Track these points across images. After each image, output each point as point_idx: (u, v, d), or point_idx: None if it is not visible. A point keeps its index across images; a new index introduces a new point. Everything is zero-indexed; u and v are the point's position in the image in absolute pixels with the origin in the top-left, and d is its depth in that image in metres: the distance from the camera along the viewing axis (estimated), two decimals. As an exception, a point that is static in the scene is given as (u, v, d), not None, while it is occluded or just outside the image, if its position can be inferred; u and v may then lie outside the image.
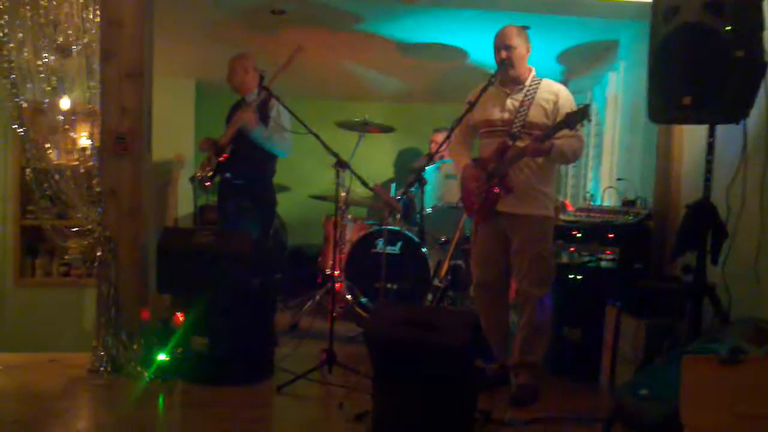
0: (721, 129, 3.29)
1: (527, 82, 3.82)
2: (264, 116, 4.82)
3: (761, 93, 3.14)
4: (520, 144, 3.71)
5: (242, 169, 4.81)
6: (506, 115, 3.80)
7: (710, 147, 3.28)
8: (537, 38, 3.84)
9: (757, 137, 3.40)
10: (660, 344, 3.45)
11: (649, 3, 3.41)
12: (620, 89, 5.55)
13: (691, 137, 4.29)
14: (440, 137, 5.45)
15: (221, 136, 4.84)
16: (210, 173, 4.83)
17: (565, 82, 4.14)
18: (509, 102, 3.82)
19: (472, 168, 3.88)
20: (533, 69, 3.87)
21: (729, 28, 3.02)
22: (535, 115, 3.75)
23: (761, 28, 3.08)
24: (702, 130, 3.36)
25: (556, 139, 3.63)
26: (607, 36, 5.53)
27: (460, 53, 5.95)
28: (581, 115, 3.53)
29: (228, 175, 4.82)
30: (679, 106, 3.22)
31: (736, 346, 2.55)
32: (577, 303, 4.27)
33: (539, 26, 3.88)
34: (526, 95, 3.78)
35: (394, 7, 4.58)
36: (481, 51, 5.73)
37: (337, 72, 6.81)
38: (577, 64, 6.37)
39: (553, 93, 3.79)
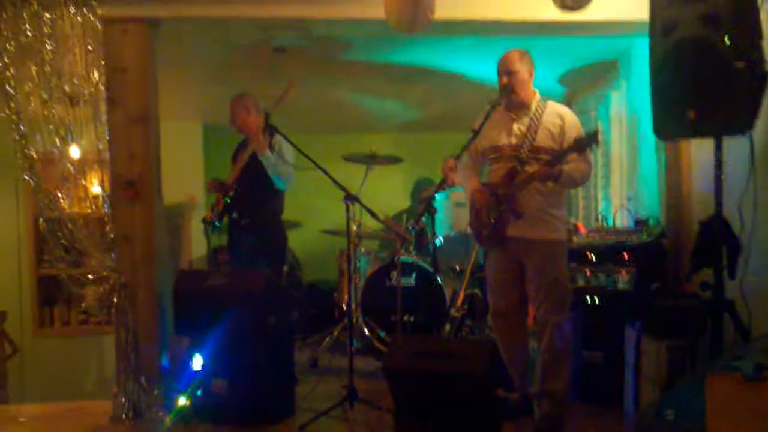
0: (728, 141, 3.27)
1: (533, 106, 3.82)
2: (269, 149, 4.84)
3: (766, 102, 3.13)
4: (528, 169, 3.71)
5: (249, 208, 4.84)
6: (513, 140, 3.80)
7: (718, 161, 3.25)
8: (538, 61, 3.85)
9: (764, 147, 3.38)
10: (683, 364, 3.41)
11: (646, 20, 3.42)
12: (623, 107, 5.56)
13: (698, 151, 4.27)
14: (452, 163, 5.47)
15: (229, 176, 4.88)
16: (218, 215, 4.87)
17: (568, 103, 4.15)
18: (516, 127, 3.82)
19: (481, 192, 3.88)
20: (537, 92, 3.88)
21: (728, 40, 3.02)
22: (542, 139, 3.75)
23: (760, 37, 3.08)
24: (709, 144, 3.34)
25: (564, 163, 3.63)
26: (606, 55, 5.55)
27: (463, 79, 5.98)
28: (590, 140, 3.54)
29: (235, 215, 4.84)
30: (684, 121, 3.21)
31: (759, 363, 2.51)
32: (596, 326, 4.22)
33: (539, 49, 3.90)
34: (532, 119, 3.78)
35: (396, 37, 4.62)
36: (482, 75, 5.75)
37: (341, 105, 6.87)
38: (580, 84, 6.39)
39: (559, 116, 3.79)
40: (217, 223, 4.91)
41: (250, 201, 4.80)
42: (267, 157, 4.75)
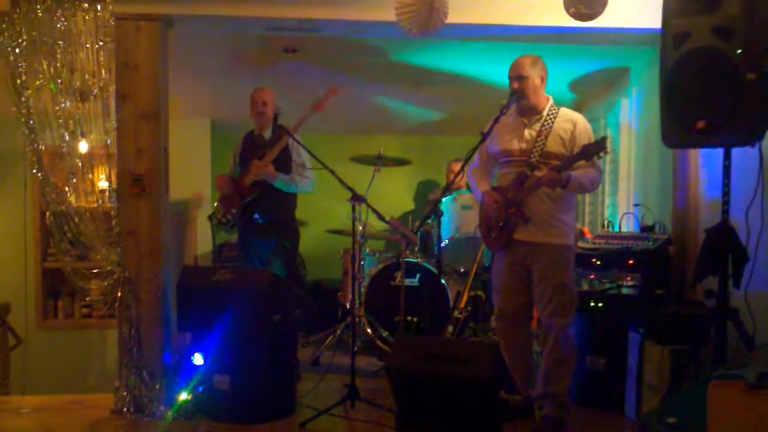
0: (737, 151, 3.27)
1: (545, 112, 3.83)
2: (287, 159, 4.86)
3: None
4: (538, 173, 3.72)
5: (269, 208, 4.83)
6: (524, 146, 3.81)
7: (726, 170, 3.27)
8: (548, 67, 3.86)
9: (773, 159, 3.38)
10: (685, 371, 3.42)
11: (658, 29, 3.43)
12: (633, 115, 5.56)
13: (707, 161, 4.27)
14: (458, 167, 5.48)
15: (240, 174, 4.86)
16: (235, 216, 4.85)
17: (577, 110, 4.16)
18: (527, 132, 3.82)
19: (491, 195, 3.89)
20: (551, 98, 3.88)
21: (740, 51, 3.02)
22: (552, 144, 3.75)
23: (772, 50, 3.09)
24: (718, 153, 3.34)
25: (573, 169, 3.63)
26: (618, 63, 5.56)
27: (474, 83, 5.98)
28: (598, 147, 3.54)
29: (256, 215, 4.83)
30: (693, 130, 3.22)
31: (763, 371, 2.51)
32: (599, 331, 4.23)
33: (551, 55, 3.90)
34: (543, 125, 3.79)
35: (407, 40, 4.62)
36: (494, 79, 5.75)
37: (350, 106, 6.85)
38: (590, 91, 6.39)
39: (570, 122, 3.80)
40: (233, 225, 4.92)
41: (271, 202, 4.80)
42: (280, 179, 4.77)
